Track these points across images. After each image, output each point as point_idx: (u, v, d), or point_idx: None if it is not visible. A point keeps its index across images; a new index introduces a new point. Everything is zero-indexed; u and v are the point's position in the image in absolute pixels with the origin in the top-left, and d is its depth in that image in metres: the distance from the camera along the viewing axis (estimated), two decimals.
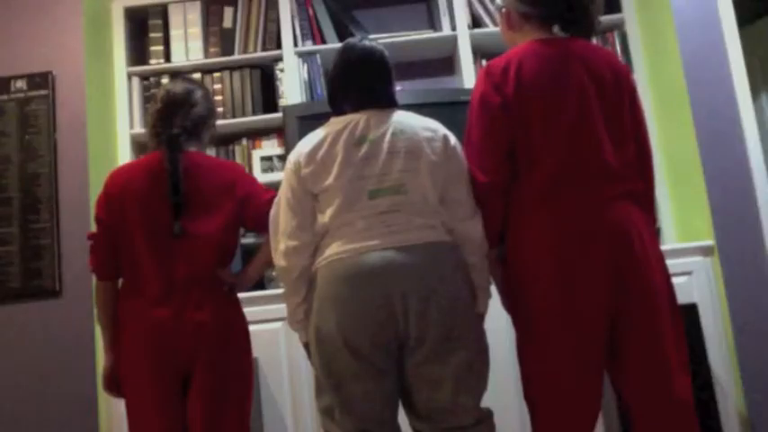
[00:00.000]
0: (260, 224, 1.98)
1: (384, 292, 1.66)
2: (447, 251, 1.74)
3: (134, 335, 1.94)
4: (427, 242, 1.71)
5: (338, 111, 1.88)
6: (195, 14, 3.23)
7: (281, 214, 1.82)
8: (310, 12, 3.20)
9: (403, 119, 1.81)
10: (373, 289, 1.66)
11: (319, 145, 1.79)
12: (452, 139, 1.81)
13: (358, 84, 1.85)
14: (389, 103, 1.86)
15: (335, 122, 1.83)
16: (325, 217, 1.75)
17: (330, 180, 1.74)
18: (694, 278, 2.72)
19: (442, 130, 1.82)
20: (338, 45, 3.16)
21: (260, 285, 2.91)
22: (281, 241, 1.80)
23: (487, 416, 1.76)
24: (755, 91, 3.58)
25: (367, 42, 1.89)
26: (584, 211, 1.68)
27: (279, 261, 1.80)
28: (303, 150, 1.80)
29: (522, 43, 1.82)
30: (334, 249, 1.72)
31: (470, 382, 1.71)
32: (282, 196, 1.83)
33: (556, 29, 1.85)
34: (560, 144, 1.71)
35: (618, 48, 3.19)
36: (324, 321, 1.70)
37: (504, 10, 1.91)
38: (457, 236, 1.78)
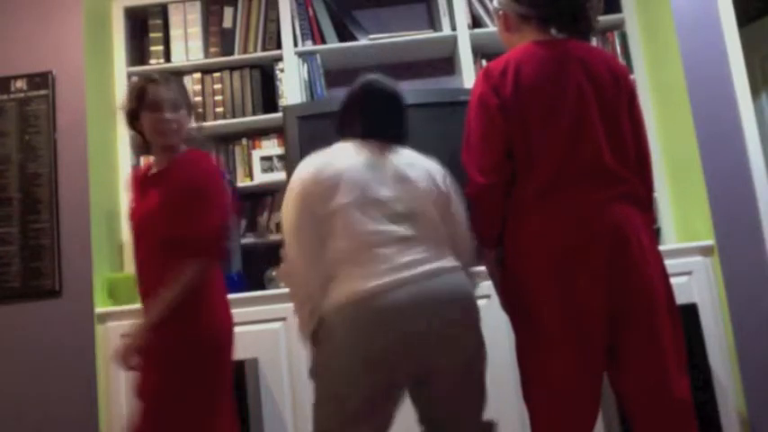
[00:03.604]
0: None
1: (400, 339, 1.61)
2: (463, 281, 1.73)
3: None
4: (442, 272, 1.68)
5: (346, 136, 1.86)
6: (195, 14, 3.23)
7: (287, 241, 1.75)
8: (310, 12, 3.20)
9: (408, 152, 1.84)
10: (386, 337, 1.61)
11: (323, 167, 1.75)
12: (449, 178, 1.85)
13: (373, 112, 1.85)
14: (399, 140, 1.86)
15: (341, 147, 1.82)
16: (334, 242, 1.69)
17: (335, 204, 1.70)
18: (694, 278, 2.72)
19: (442, 170, 1.86)
20: (338, 45, 3.18)
21: (260, 285, 2.91)
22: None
23: (490, 427, 1.77)
24: (755, 91, 3.57)
25: (388, 81, 1.90)
26: (582, 212, 1.68)
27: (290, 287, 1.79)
28: (307, 173, 1.76)
29: (521, 45, 1.82)
30: (346, 287, 1.65)
31: (473, 396, 1.73)
32: (286, 221, 1.76)
33: (554, 30, 1.85)
34: (558, 146, 1.71)
35: (618, 48, 3.19)
36: (339, 369, 1.64)
37: (500, 12, 1.90)
38: (454, 239, 1.79)
